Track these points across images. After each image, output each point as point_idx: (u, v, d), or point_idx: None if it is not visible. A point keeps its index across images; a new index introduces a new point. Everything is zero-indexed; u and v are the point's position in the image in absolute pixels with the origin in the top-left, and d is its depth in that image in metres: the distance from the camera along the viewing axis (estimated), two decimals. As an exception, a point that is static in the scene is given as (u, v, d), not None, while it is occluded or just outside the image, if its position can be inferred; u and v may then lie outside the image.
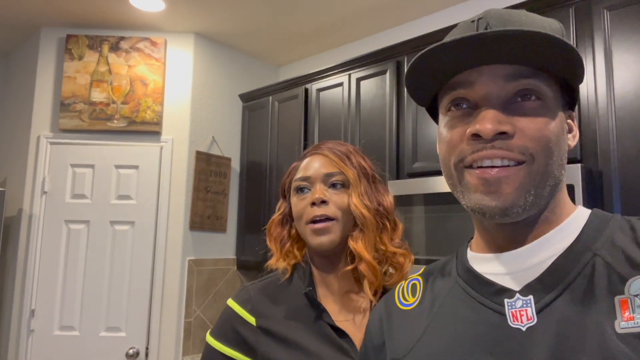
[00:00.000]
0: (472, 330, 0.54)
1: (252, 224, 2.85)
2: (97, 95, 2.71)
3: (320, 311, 0.88)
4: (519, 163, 0.51)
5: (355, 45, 2.90)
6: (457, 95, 0.56)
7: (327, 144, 0.97)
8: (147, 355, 2.57)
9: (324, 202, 0.89)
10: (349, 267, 0.89)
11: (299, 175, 0.95)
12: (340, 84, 2.43)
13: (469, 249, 0.63)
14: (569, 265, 0.51)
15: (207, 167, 2.83)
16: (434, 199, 1.86)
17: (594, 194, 1.53)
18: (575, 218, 0.56)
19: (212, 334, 0.92)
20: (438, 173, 1.81)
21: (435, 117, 0.64)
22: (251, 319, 0.88)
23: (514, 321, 0.51)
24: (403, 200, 1.93)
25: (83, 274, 2.59)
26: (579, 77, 0.55)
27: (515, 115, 0.52)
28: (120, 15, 2.65)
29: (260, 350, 0.85)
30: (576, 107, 1.17)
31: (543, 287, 0.51)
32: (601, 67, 1.60)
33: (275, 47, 3.08)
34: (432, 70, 0.55)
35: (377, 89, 2.27)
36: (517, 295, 0.52)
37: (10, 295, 2.63)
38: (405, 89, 0.60)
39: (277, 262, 0.95)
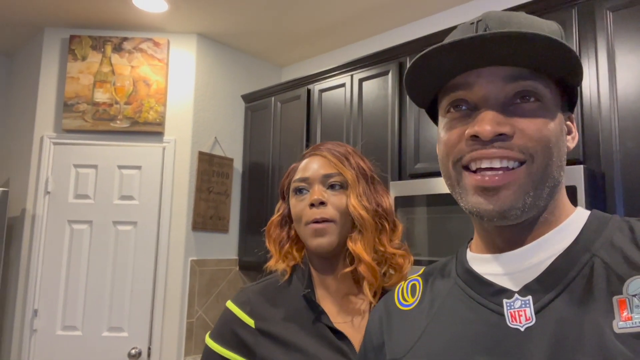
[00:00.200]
0: (471, 331, 0.54)
1: (254, 225, 2.85)
2: (100, 96, 2.72)
3: (319, 313, 0.87)
4: (519, 163, 0.51)
5: (357, 46, 2.90)
6: (456, 96, 0.56)
7: (326, 144, 0.96)
8: (149, 355, 2.58)
9: (322, 203, 0.89)
10: (348, 269, 0.89)
11: (297, 176, 0.94)
12: (343, 85, 2.43)
13: (468, 250, 0.63)
14: (567, 265, 0.51)
15: (209, 168, 2.83)
16: (436, 200, 1.85)
17: (597, 196, 1.52)
18: (575, 219, 0.56)
19: (211, 336, 0.91)
20: (440, 174, 1.80)
21: (434, 119, 0.64)
22: (250, 321, 0.88)
23: (512, 321, 0.51)
24: (405, 201, 1.93)
25: (86, 274, 2.60)
26: (578, 78, 0.55)
27: (515, 117, 0.52)
28: (123, 16, 2.66)
29: (259, 353, 0.85)
30: (576, 109, 1.17)
31: (542, 287, 0.51)
32: (604, 68, 1.59)
33: (277, 48, 3.09)
34: (431, 72, 0.55)
35: (379, 89, 2.27)
36: (516, 295, 0.52)
37: (13, 295, 2.64)
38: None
39: (276, 264, 0.95)
